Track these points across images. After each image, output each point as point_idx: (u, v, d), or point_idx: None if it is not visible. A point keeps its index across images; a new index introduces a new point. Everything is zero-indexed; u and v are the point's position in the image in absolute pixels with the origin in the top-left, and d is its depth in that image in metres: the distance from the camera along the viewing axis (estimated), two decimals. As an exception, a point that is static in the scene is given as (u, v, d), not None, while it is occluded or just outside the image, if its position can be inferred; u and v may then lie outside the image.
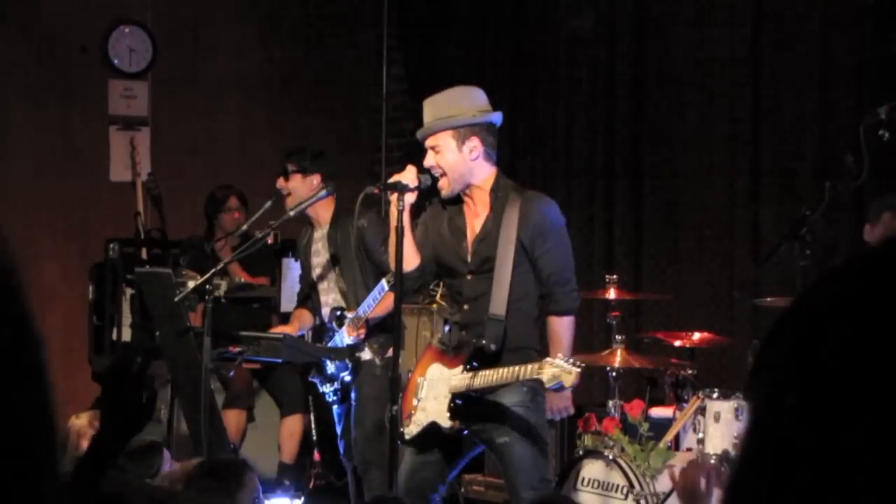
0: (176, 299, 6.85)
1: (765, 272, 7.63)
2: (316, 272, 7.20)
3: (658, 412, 6.91)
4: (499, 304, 5.61)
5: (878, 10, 7.78)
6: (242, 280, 8.40)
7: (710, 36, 8.56)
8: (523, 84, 9.68)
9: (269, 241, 7.25)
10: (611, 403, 6.81)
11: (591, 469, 6.51)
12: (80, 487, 2.86)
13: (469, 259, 5.74)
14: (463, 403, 5.64)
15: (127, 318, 8.81)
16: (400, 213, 5.59)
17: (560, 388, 5.35)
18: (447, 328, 5.90)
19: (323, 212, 7.11)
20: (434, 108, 5.76)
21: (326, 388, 7.00)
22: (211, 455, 6.25)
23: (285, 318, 7.61)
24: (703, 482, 3.97)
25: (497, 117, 5.78)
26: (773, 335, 1.06)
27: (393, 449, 5.60)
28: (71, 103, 10.00)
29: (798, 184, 7.99)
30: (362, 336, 6.84)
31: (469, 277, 5.74)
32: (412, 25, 10.81)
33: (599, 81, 9.22)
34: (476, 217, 5.77)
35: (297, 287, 7.48)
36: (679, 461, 6.11)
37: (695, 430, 6.45)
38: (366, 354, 6.90)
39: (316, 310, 7.22)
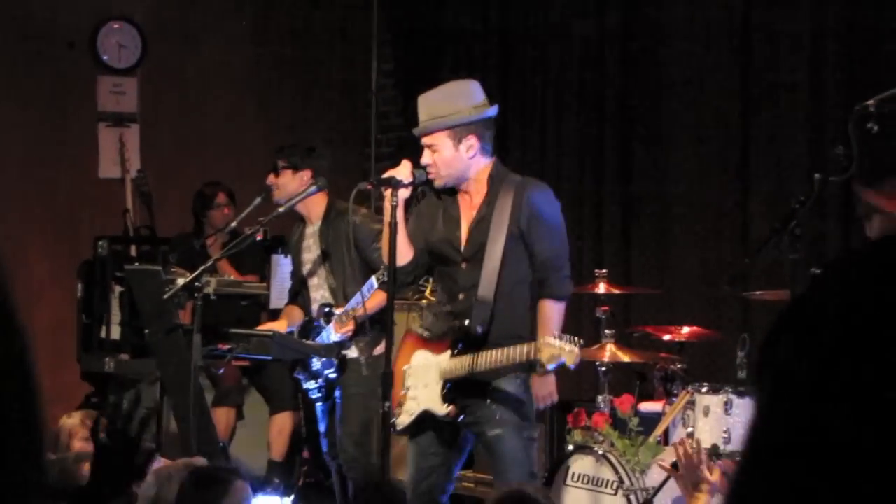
0: (165, 297, 6.84)
1: (754, 266, 7.62)
2: (306, 268, 7.19)
3: (648, 407, 6.90)
4: (487, 287, 5.59)
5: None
6: (232, 277, 8.38)
7: (699, 23, 8.54)
8: (512, 78, 9.67)
9: (259, 237, 7.23)
10: (600, 398, 6.80)
11: (581, 464, 6.50)
12: None
13: (463, 247, 5.72)
14: (457, 388, 5.62)
15: (116, 316, 8.79)
16: (394, 208, 5.57)
17: (560, 367, 5.32)
18: (432, 316, 5.88)
19: (314, 208, 7.10)
20: (429, 106, 5.72)
21: (311, 385, 6.99)
22: (199, 452, 6.23)
23: (275, 315, 7.60)
24: (703, 458, 3.98)
25: (494, 111, 5.75)
26: (774, 335, 1.06)
27: (385, 445, 5.58)
28: (60, 100, 9.98)
29: (787, 177, 7.98)
30: (349, 333, 6.83)
31: (464, 266, 5.72)
32: (402, 20, 10.79)
33: (589, 75, 9.20)
34: (472, 207, 5.75)
35: (288, 283, 7.47)
36: (669, 456, 6.11)
37: (684, 425, 6.44)
38: (351, 352, 6.89)
39: (306, 306, 7.21)
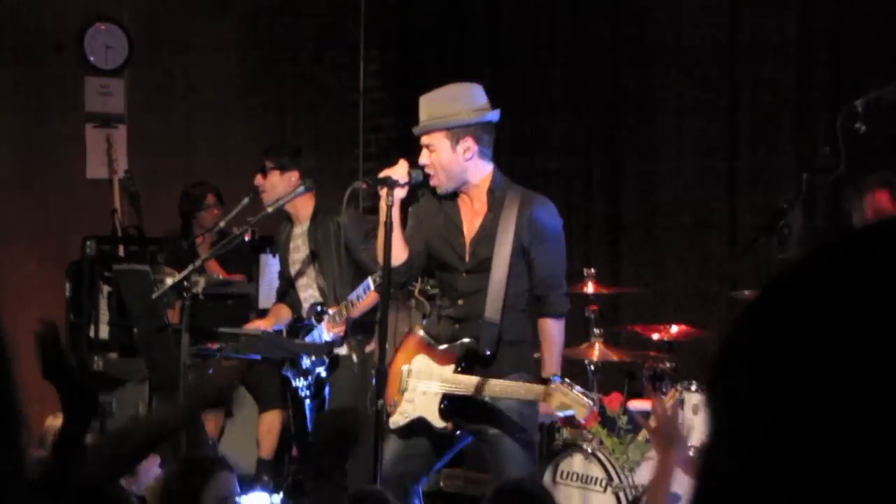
0: (154, 296, 6.85)
1: (742, 265, 7.64)
2: (295, 268, 7.19)
3: (636, 405, 6.91)
4: (494, 308, 5.60)
5: None
6: (220, 277, 8.38)
7: (688, 23, 8.56)
8: (499, 82, 9.68)
9: (247, 237, 7.23)
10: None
11: (571, 462, 6.52)
12: (54, 477, 2.88)
13: (467, 258, 5.73)
14: (455, 404, 5.63)
15: (104, 316, 8.79)
16: (389, 208, 5.57)
17: (569, 418, 5.39)
18: (436, 318, 5.89)
19: (302, 208, 7.11)
20: (429, 106, 5.71)
21: (300, 383, 7.00)
22: (189, 450, 6.24)
23: (263, 315, 7.61)
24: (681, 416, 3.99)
25: (494, 115, 5.74)
26: (727, 352, 1.00)
27: (376, 442, 5.58)
28: (47, 101, 9.97)
29: (775, 176, 8.00)
30: (342, 333, 6.83)
31: (465, 275, 5.74)
32: (389, 22, 10.80)
33: (576, 75, 9.22)
34: (474, 215, 5.74)
35: (276, 283, 7.47)
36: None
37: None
38: (343, 350, 6.89)
39: (294, 305, 7.21)
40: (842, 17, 7.88)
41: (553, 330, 5.73)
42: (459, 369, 5.62)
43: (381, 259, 5.62)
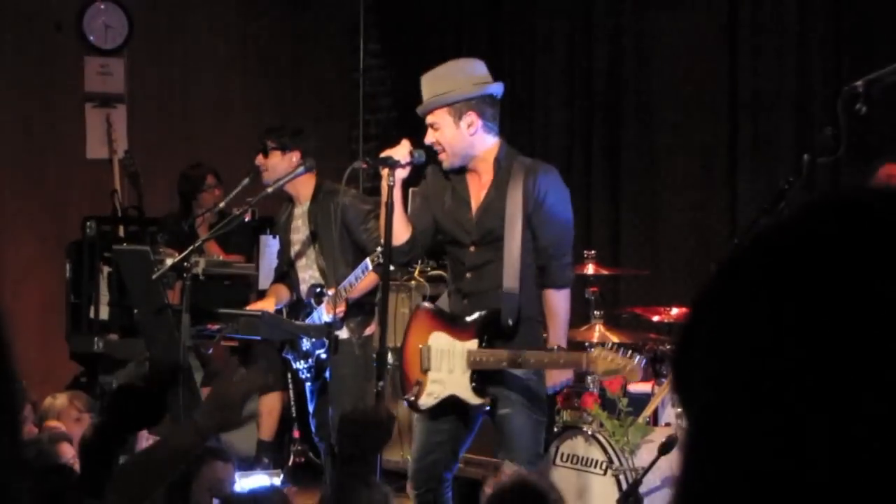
0: (154, 277, 6.83)
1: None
2: (295, 248, 7.18)
3: (637, 387, 6.91)
4: (511, 278, 5.57)
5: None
6: (220, 258, 8.37)
7: (686, 10, 8.54)
8: (500, 58, 9.66)
9: (247, 218, 7.22)
10: (589, 379, 6.80)
11: (570, 444, 6.52)
12: (91, 473, 2.88)
13: (473, 231, 5.71)
14: (485, 378, 5.61)
15: (104, 297, 8.79)
16: (390, 188, 5.56)
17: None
18: (447, 294, 5.88)
19: (303, 188, 7.09)
20: (430, 84, 5.70)
21: (300, 365, 7.00)
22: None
23: (263, 296, 7.60)
24: None
25: (495, 88, 5.71)
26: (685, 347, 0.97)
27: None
28: (46, 80, 9.95)
29: (776, 158, 7.99)
30: (341, 314, 6.82)
31: (472, 249, 5.72)
32: (389, 1, 10.78)
33: (577, 56, 9.20)
34: (481, 188, 5.72)
35: (276, 264, 7.46)
36: (658, 436, 6.13)
37: (673, 405, 6.46)
38: (342, 333, 6.88)
39: (293, 286, 7.21)
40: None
41: (554, 301, 5.67)
42: (484, 344, 5.60)
43: (378, 240, 5.61)
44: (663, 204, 8.62)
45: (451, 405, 5.70)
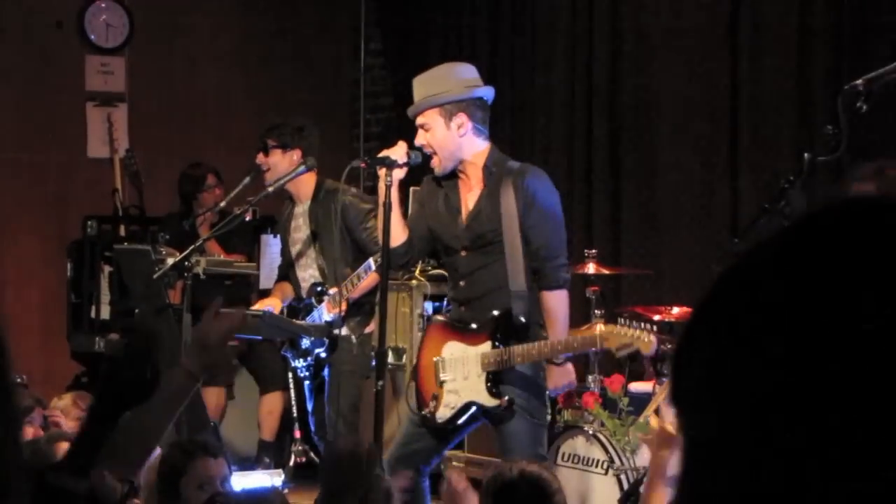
0: (155, 276, 6.84)
1: (743, 245, 7.62)
2: (295, 248, 7.18)
3: (638, 387, 6.91)
4: (518, 279, 5.59)
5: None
6: (221, 257, 8.37)
7: (686, 10, 8.53)
8: (501, 58, 9.66)
9: (248, 217, 7.22)
10: (590, 378, 6.81)
11: (572, 444, 6.52)
12: (80, 457, 2.88)
13: (462, 237, 5.73)
14: (498, 378, 5.62)
15: (105, 296, 8.79)
16: (388, 188, 5.59)
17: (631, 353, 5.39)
18: (446, 305, 5.90)
19: (304, 187, 7.09)
20: (422, 86, 5.75)
21: (299, 363, 7.00)
22: (190, 432, 6.24)
23: (264, 295, 7.60)
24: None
25: (485, 91, 5.77)
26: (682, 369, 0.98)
27: (377, 424, 5.58)
28: (48, 79, 9.95)
29: (777, 156, 7.98)
30: (342, 313, 6.83)
31: (464, 254, 5.73)
32: (389, 1, 10.78)
33: (578, 55, 9.19)
34: (470, 193, 5.75)
35: (277, 263, 7.46)
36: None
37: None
38: (342, 331, 6.89)
39: (294, 285, 7.21)
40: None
41: (551, 302, 5.67)
42: (497, 344, 5.60)
43: (377, 240, 5.63)
44: (664, 203, 8.61)
45: (477, 414, 5.68)
